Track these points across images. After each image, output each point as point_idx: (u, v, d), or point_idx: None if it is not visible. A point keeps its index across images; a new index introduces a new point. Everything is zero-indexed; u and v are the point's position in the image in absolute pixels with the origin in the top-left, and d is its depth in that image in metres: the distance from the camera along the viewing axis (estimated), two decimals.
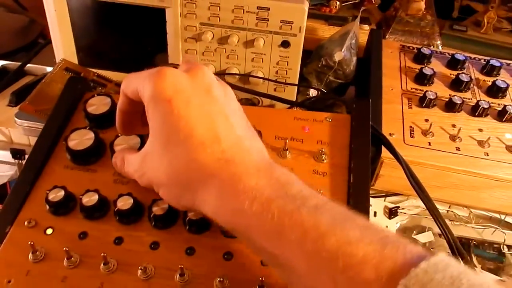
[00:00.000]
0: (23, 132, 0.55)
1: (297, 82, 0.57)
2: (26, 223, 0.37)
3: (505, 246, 0.52)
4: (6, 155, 0.59)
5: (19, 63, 0.68)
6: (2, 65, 0.69)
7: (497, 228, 0.50)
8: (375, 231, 0.26)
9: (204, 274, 0.34)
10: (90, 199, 0.36)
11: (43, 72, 0.68)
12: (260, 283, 0.32)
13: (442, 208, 0.52)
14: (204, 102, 0.31)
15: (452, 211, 0.52)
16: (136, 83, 0.32)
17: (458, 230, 0.52)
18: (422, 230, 0.52)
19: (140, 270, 0.33)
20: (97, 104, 0.43)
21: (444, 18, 0.79)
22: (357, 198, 0.37)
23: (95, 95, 0.43)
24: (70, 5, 0.55)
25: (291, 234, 0.26)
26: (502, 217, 0.50)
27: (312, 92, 0.58)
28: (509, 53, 0.74)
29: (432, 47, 0.71)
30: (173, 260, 0.34)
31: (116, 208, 0.36)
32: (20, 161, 0.56)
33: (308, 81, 0.59)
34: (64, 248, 0.34)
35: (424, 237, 0.51)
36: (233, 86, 0.58)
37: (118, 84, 0.60)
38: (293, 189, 0.29)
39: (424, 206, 0.53)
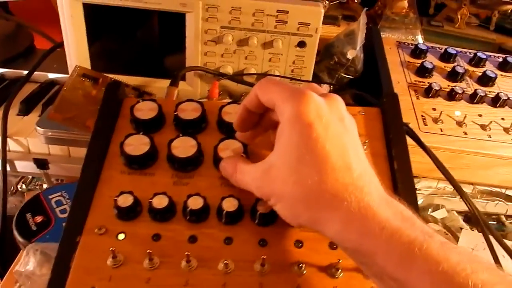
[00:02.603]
0: (44, 141, 0.54)
1: (311, 79, 0.61)
2: (96, 230, 0.37)
3: (503, 216, 0.59)
4: (24, 165, 0.57)
5: (17, 71, 0.66)
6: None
7: (501, 201, 0.56)
8: (504, 276, 0.28)
9: (281, 263, 0.36)
10: (160, 201, 0.38)
11: (45, 78, 0.67)
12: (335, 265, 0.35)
13: (449, 187, 0.58)
14: (339, 130, 0.32)
15: None
16: (276, 96, 0.33)
17: (463, 206, 0.58)
18: (436, 208, 0.58)
19: (222, 264, 0.35)
20: (144, 109, 0.43)
21: (421, 15, 0.87)
22: (404, 184, 0.41)
23: (140, 100, 0.44)
24: (86, 10, 0.55)
25: (422, 264, 0.27)
26: (503, 191, 0.57)
27: (325, 89, 0.61)
28: (481, 46, 0.83)
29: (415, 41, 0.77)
30: (248, 252, 0.37)
31: (189, 208, 0.37)
32: (45, 170, 0.55)
33: (320, 78, 0.62)
34: (148, 251, 0.35)
35: (439, 214, 0.57)
36: (251, 85, 0.61)
37: (135, 88, 0.60)
38: (417, 223, 0.30)
39: (435, 186, 0.59)
